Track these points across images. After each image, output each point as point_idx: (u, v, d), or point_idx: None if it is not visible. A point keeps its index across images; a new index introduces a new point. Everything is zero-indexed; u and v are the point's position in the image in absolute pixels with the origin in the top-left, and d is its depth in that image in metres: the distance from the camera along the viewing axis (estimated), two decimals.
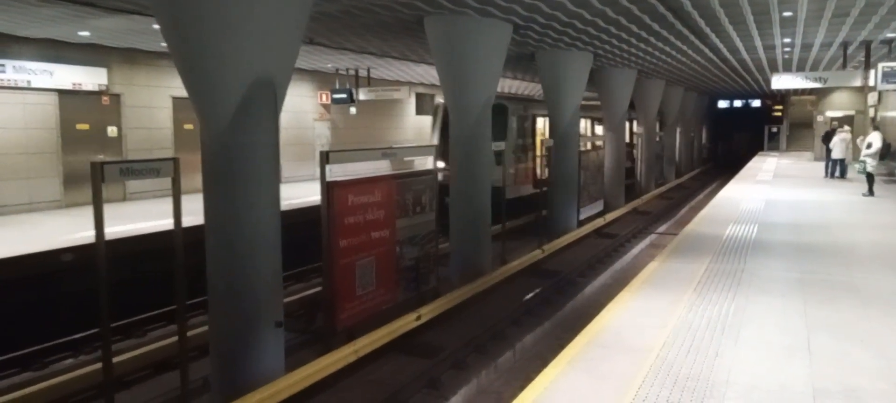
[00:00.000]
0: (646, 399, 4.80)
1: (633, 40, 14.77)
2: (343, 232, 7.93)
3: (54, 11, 10.90)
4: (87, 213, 5.75)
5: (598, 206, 19.50)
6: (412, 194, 9.32)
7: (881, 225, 12.44)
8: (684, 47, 16.59)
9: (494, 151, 12.64)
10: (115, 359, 7.04)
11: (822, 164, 23.09)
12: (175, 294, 6.32)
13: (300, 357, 8.00)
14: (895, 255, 9.64)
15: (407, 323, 8.82)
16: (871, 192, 16.26)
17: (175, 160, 6.21)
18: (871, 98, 19.44)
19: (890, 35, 15.45)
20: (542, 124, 19.44)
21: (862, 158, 16.31)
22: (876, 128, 17.35)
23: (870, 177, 16.33)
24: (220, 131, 6.52)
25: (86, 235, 10.02)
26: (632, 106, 23.59)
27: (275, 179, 7.01)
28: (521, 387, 5.70)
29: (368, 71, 20.79)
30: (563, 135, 16.24)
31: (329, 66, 19.90)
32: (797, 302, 7.21)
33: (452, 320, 10.04)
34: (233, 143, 6.56)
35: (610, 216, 19.49)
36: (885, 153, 17.13)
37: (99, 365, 7.37)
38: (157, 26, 7.29)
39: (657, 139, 29.53)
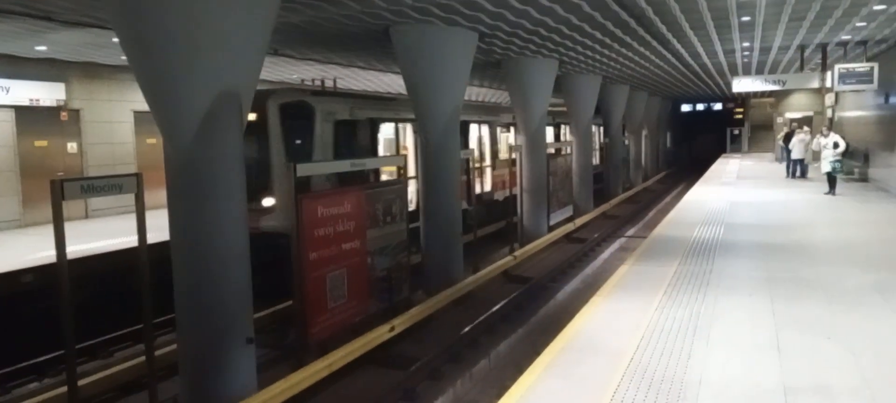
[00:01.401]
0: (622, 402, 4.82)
1: (598, 46, 14.95)
2: (313, 245, 7.82)
3: (10, 26, 10.62)
4: (48, 232, 5.59)
5: (568, 211, 19.61)
6: (382, 204, 9.26)
7: (843, 222, 12.74)
8: (647, 53, 16.84)
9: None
10: (81, 382, 6.84)
11: (783, 165, 23.63)
12: (141, 312, 6.17)
13: (273, 373, 7.86)
14: (858, 252, 9.88)
15: (380, 334, 8.74)
16: (832, 191, 16.65)
17: (138, 176, 6.08)
18: (829, 99, 19.95)
19: (845, 37, 15.89)
20: (404, 135, 14.25)
21: (832, 160, 16.55)
22: (830, 128, 17.83)
23: (833, 176, 16.66)
24: (185, 145, 6.39)
25: (43, 255, 9.73)
26: (597, 111, 23.84)
27: (241, 192, 6.89)
28: (498, 395, 5.68)
29: (335, 81, 20.65)
30: (530, 141, 16.33)
31: (295, 76, 19.73)
32: (765, 300, 7.32)
33: (426, 330, 9.99)
34: (198, 157, 6.44)
35: (579, 221, 19.64)
36: (844, 152, 17.56)
37: (64, 389, 7.15)
38: (116, 39, 7.14)
39: (624, 143, 29.89)
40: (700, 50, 17.10)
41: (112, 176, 7.31)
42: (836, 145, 16.53)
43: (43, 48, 13.02)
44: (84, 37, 11.55)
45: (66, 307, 5.48)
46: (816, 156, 18.64)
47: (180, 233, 6.62)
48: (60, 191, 5.37)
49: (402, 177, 10.09)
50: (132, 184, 6.01)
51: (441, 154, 11.66)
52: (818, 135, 17.76)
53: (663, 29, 13.52)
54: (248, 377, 6.87)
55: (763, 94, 32.32)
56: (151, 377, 6.26)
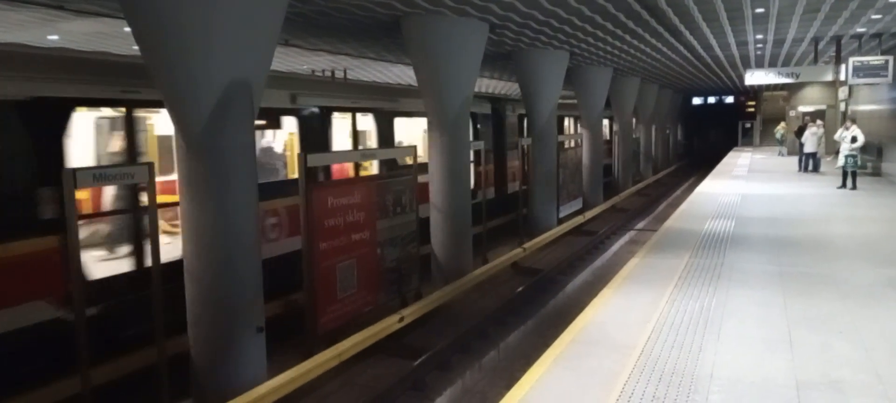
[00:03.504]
0: (632, 396, 4.80)
1: (609, 38, 14.86)
2: (323, 235, 7.84)
3: (23, 15, 10.67)
4: None
5: (577, 204, 19.54)
6: (392, 195, 9.26)
7: (855, 217, 12.64)
8: (659, 45, 16.73)
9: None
10: None
11: (795, 159, 23.47)
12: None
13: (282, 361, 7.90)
14: (870, 247, 9.80)
15: (390, 324, 8.75)
16: (846, 185, 16.49)
17: (150, 165, 6.10)
18: (843, 92, 19.77)
19: (860, 30, 15.73)
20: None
21: (849, 154, 16.39)
22: (853, 120, 17.61)
23: (853, 171, 16.46)
24: (196, 135, 6.40)
25: None
26: (608, 104, 23.73)
27: (252, 182, 6.91)
28: (507, 387, 5.68)
29: (345, 72, 20.67)
30: (540, 133, 16.28)
31: (305, 67, 19.75)
32: (777, 295, 7.28)
33: (436, 320, 10.00)
34: (209, 147, 6.45)
35: (589, 213, 19.58)
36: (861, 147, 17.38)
37: None
38: (128, 29, 7.15)
39: (634, 136, 29.76)
40: (712, 42, 16.97)
41: (124, 164, 7.37)
42: (854, 139, 16.35)
43: (55, 38, 13.08)
44: (96, 27, 11.59)
45: (81, 302, 5.51)
46: (832, 148, 18.46)
47: (192, 223, 6.64)
48: (73, 179, 5.39)
49: (412, 168, 10.09)
50: (144, 173, 6.04)
51: (451, 145, 11.63)
52: (842, 128, 17.52)
53: (675, 20, 13.42)
54: (258, 365, 6.90)
55: (776, 87, 32.12)
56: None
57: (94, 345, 5.91)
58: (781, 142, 30.18)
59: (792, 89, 29.91)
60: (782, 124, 30.91)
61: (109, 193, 8.34)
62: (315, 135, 10.64)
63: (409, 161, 10.87)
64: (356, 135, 11.98)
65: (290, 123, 10.48)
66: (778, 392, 4.78)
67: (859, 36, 16.58)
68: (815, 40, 16.98)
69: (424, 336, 9.37)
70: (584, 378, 5.13)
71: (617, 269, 9.54)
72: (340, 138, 11.67)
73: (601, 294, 7.57)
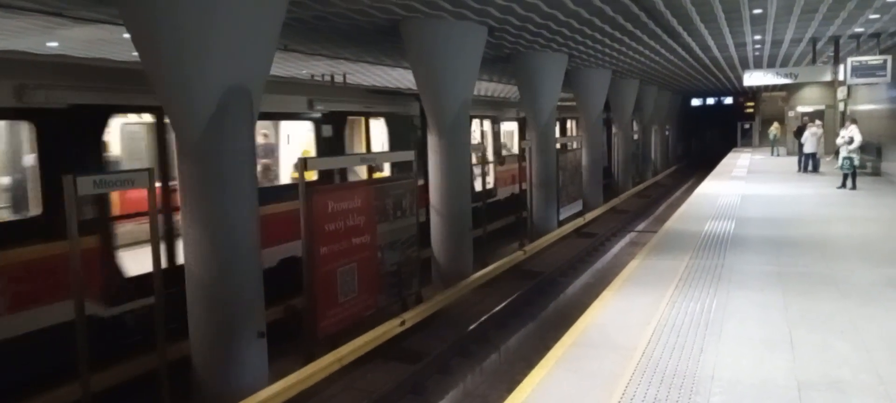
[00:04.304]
0: (633, 398, 4.80)
1: (607, 40, 14.87)
2: (323, 239, 7.84)
3: (22, 23, 10.68)
4: None
5: (577, 206, 19.53)
6: (392, 198, 9.27)
7: (855, 217, 12.64)
8: (657, 46, 16.75)
9: None
10: None
11: (794, 159, 23.48)
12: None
13: (283, 366, 7.89)
14: (870, 247, 9.80)
15: (391, 328, 8.75)
16: (846, 185, 16.48)
17: (150, 170, 6.11)
18: (841, 92, 19.75)
19: (858, 30, 15.75)
20: None
21: (847, 155, 16.40)
22: (853, 121, 17.61)
23: (852, 172, 16.46)
24: (196, 139, 6.41)
25: None
26: (607, 106, 23.75)
27: (252, 187, 6.91)
28: (508, 390, 5.68)
29: (344, 77, 20.65)
30: (540, 136, 16.28)
31: (304, 72, 19.75)
32: (777, 296, 7.28)
33: (436, 324, 9.99)
34: (209, 152, 6.46)
35: (589, 215, 19.58)
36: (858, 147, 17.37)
37: None
38: (127, 35, 7.14)
39: (633, 138, 29.77)
40: (711, 43, 16.99)
41: (125, 170, 7.38)
42: (850, 140, 16.37)
43: (54, 44, 13.09)
44: (95, 33, 11.60)
45: (80, 304, 5.52)
46: (831, 149, 18.44)
47: (192, 227, 6.64)
48: (73, 186, 5.40)
49: (412, 171, 10.09)
50: (144, 179, 6.04)
51: (450, 148, 11.64)
52: (842, 129, 17.50)
53: (674, 22, 13.44)
54: (259, 370, 6.90)
55: (774, 88, 32.15)
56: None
57: None
58: (775, 143, 30.23)
59: (790, 90, 29.94)
60: (775, 125, 30.97)
61: None
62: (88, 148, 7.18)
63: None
64: (163, 146, 8.03)
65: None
66: (779, 393, 4.78)
67: (857, 36, 16.60)
68: (814, 40, 17.00)
69: (424, 339, 9.37)
70: (586, 381, 5.13)
71: (618, 271, 9.54)
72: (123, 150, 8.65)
73: (602, 296, 7.57)
